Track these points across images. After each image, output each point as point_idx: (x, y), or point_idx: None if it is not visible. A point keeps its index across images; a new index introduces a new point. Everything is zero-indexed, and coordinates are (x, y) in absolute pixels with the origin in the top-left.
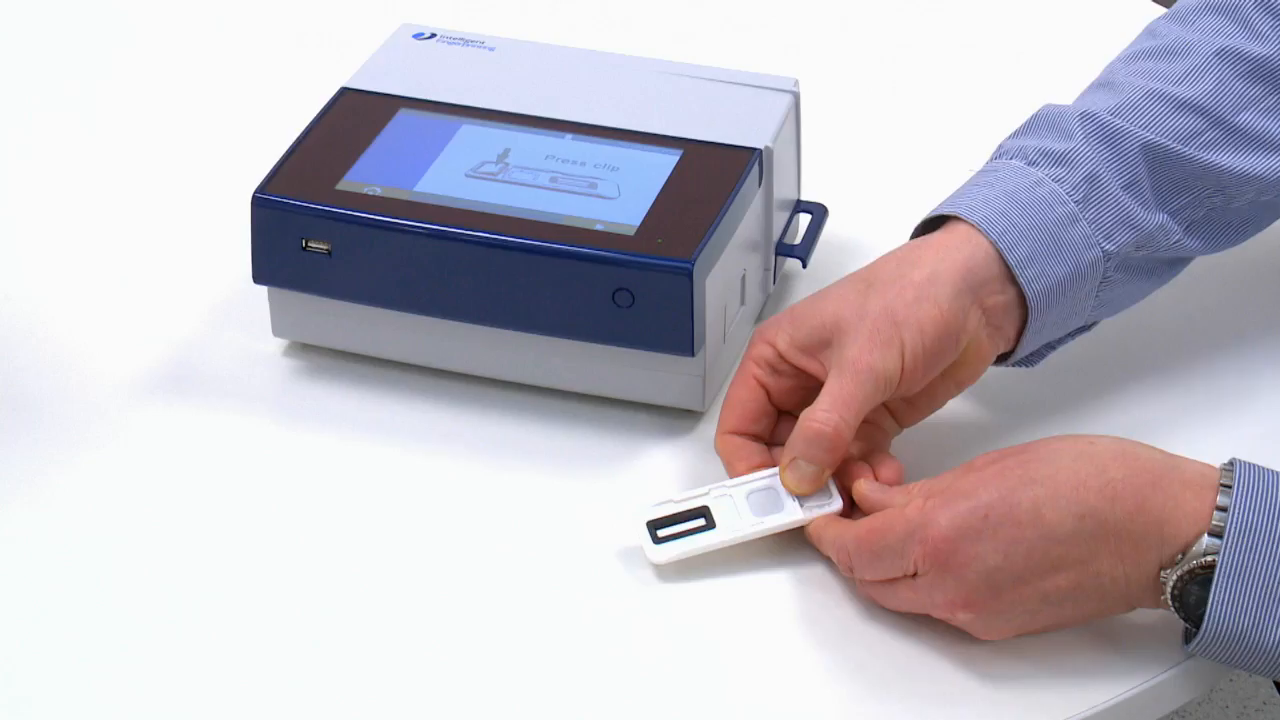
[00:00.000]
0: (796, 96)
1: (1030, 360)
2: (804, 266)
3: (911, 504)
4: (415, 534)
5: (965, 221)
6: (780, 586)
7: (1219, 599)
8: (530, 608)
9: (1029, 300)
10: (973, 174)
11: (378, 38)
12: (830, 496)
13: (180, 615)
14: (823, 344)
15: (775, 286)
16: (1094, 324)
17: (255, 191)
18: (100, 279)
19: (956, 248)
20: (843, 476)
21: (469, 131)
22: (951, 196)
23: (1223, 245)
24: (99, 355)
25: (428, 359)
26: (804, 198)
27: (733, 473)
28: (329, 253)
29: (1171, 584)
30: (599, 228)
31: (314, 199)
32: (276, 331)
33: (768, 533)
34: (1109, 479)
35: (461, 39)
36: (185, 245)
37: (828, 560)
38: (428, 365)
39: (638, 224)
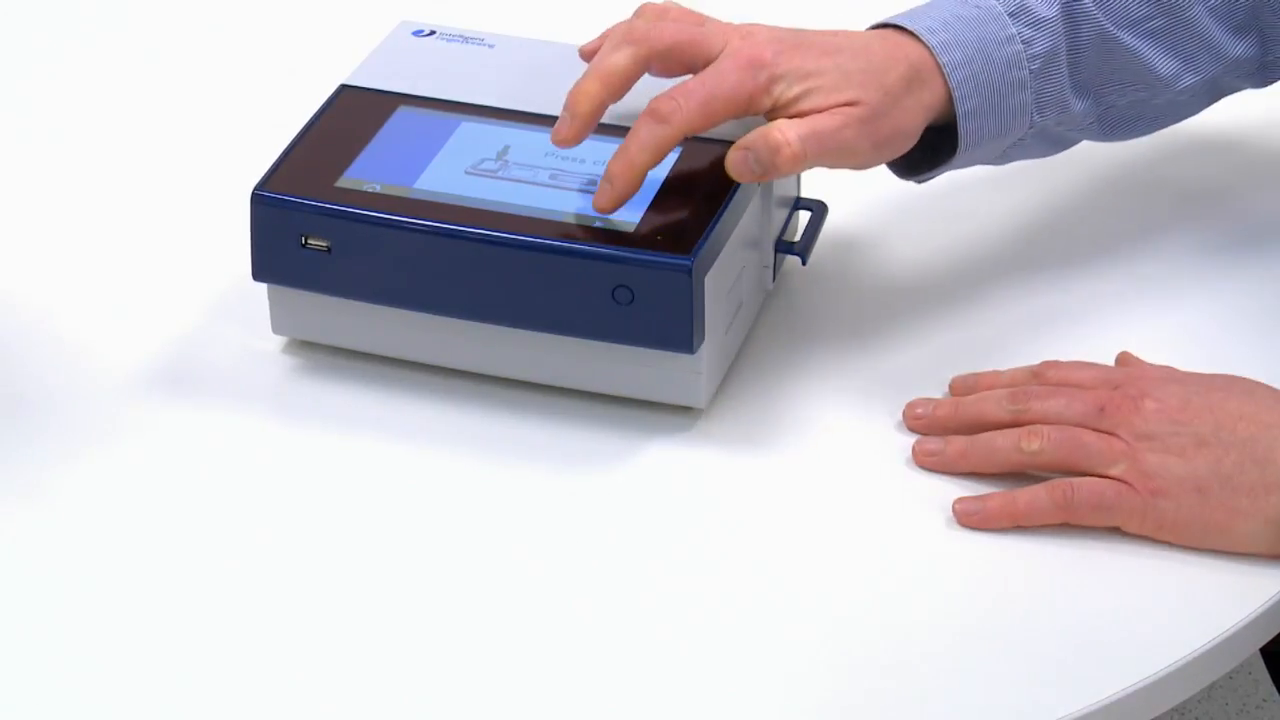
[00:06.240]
0: None
1: (919, 179)
2: (803, 264)
3: None
4: (415, 531)
5: (930, 51)
6: (778, 583)
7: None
8: (530, 605)
9: (960, 148)
10: None
11: (377, 35)
12: None
13: (179, 613)
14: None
15: (775, 284)
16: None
17: (254, 189)
18: (99, 276)
19: (916, 59)
20: None
21: (468, 129)
22: (929, 11)
23: (1122, 137)
24: (98, 353)
25: (428, 356)
26: (803, 195)
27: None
28: (328, 250)
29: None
30: (598, 224)
31: (313, 196)
32: (276, 329)
33: None
34: None
35: (461, 36)
36: (185, 243)
37: (823, 561)
38: (428, 362)
39: (637, 221)
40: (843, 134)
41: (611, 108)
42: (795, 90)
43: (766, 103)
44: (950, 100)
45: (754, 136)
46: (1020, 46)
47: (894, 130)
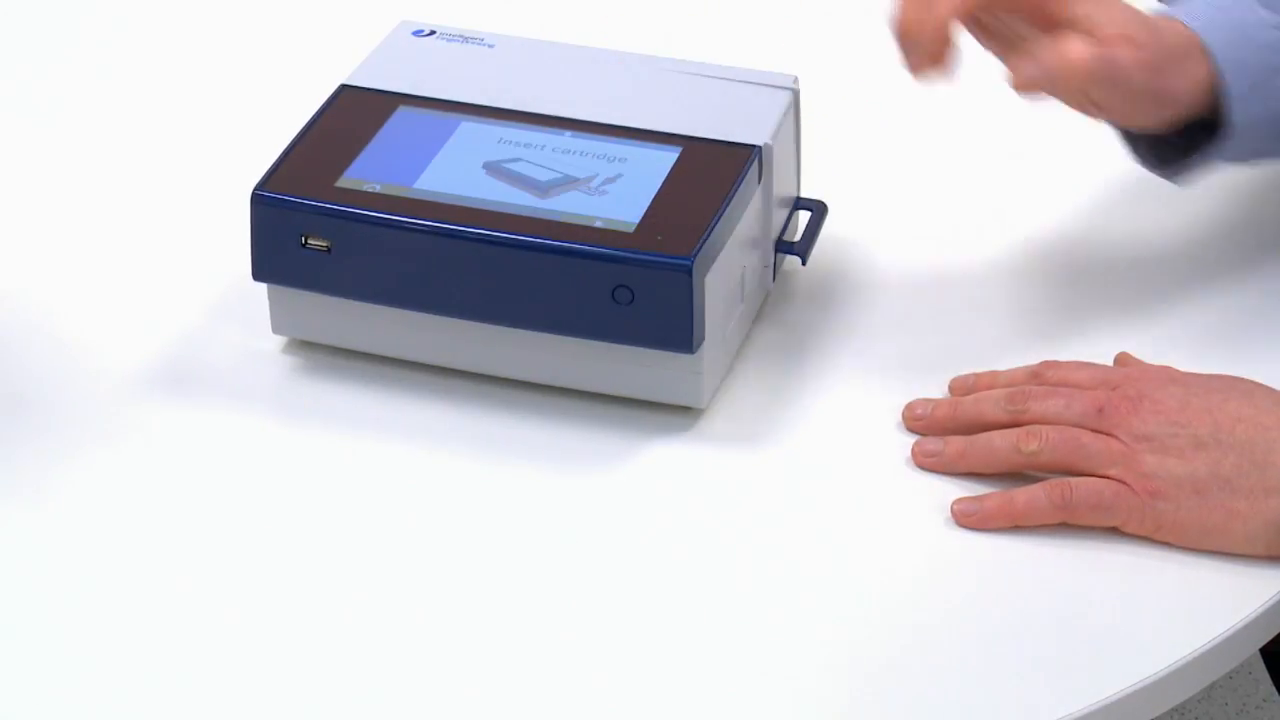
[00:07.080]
0: (796, 94)
1: (1178, 177)
2: (803, 264)
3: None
4: (415, 531)
5: (1196, 35)
6: (778, 583)
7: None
8: (530, 604)
9: (1226, 134)
10: None
11: (377, 35)
12: None
13: (180, 613)
14: None
15: (775, 284)
16: None
17: (255, 189)
18: (100, 276)
19: (1186, 36)
20: None
21: (468, 129)
22: (1183, 5)
23: None
24: (98, 353)
25: (428, 356)
26: (803, 195)
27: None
28: (328, 250)
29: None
30: (598, 224)
31: (313, 196)
32: (276, 329)
33: None
34: None
35: (461, 36)
36: (185, 242)
37: (822, 561)
38: (428, 362)
39: (637, 221)
40: (1131, 70)
41: (608, 108)
42: (1089, 7)
43: (1056, 8)
44: (1210, 90)
45: (1043, 49)
46: (1277, 32)
47: (1169, 87)
